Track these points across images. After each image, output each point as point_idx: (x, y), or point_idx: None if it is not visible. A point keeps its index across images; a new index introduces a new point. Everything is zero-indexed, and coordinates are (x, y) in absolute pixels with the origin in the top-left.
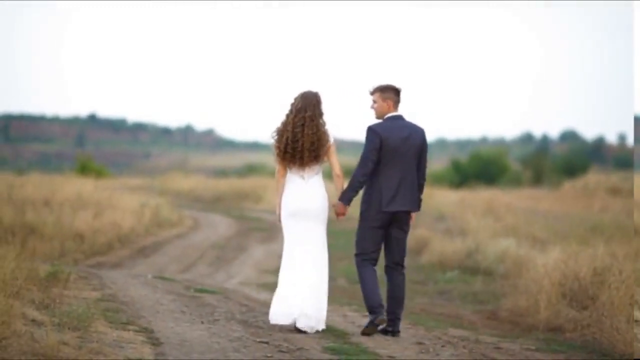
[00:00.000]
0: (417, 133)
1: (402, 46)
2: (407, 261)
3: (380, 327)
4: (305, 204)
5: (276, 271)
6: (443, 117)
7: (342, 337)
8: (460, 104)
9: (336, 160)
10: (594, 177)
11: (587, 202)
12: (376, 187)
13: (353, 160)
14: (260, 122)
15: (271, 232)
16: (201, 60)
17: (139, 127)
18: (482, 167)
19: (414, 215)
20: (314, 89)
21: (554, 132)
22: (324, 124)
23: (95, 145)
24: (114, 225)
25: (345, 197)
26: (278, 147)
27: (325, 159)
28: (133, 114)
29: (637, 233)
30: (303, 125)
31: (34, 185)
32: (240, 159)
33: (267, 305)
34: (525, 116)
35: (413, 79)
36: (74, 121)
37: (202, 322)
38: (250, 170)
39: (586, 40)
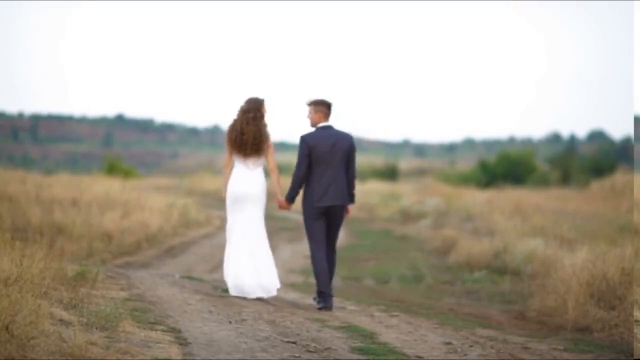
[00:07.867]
0: (343, 139)
1: (431, 46)
2: (435, 261)
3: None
4: (248, 188)
5: (303, 271)
6: (471, 118)
7: (369, 337)
8: (488, 104)
9: (272, 159)
10: (621, 177)
11: (615, 202)
12: (310, 187)
13: (377, 158)
14: (287, 123)
15: (298, 231)
16: (229, 61)
17: (167, 128)
18: (509, 167)
19: (349, 207)
20: (260, 97)
21: (582, 132)
22: (265, 126)
23: (123, 145)
24: (142, 225)
25: (289, 196)
26: (230, 139)
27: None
28: (161, 114)
29: (638, 233)
30: (247, 123)
31: (62, 185)
32: None
33: (295, 305)
34: (552, 116)
35: (441, 79)
36: (101, 121)
37: (230, 322)
38: (277, 169)
39: (615, 39)
